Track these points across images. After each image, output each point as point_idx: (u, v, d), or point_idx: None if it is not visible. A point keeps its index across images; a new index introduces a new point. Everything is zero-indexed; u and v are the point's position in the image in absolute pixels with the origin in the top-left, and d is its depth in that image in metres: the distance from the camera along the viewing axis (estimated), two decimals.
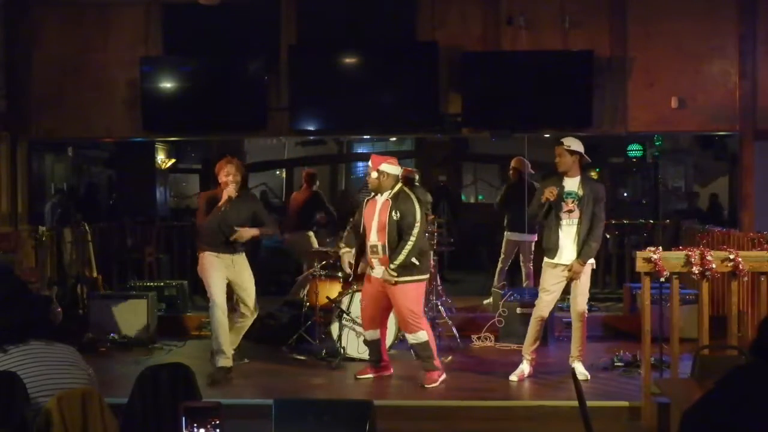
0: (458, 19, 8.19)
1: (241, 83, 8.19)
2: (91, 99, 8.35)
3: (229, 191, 6.51)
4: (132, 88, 8.26)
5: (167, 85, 8.20)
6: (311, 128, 8.54)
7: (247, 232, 6.60)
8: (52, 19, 8.42)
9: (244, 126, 8.45)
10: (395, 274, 6.11)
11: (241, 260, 6.74)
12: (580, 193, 6.24)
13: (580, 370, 6.29)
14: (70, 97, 8.36)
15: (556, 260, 6.29)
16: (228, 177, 6.56)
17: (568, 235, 6.25)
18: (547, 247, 6.36)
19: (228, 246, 6.58)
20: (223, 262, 6.61)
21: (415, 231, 6.12)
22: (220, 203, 6.51)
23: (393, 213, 6.17)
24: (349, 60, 8.32)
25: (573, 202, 6.24)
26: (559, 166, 6.33)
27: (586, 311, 6.46)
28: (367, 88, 8.10)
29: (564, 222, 6.25)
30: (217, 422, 2.76)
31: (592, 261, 6.37)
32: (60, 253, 8.34)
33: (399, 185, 6.30)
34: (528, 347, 6.46)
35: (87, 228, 8.45)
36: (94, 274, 8.18)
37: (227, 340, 6.57)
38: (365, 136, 14.78)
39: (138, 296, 8.06)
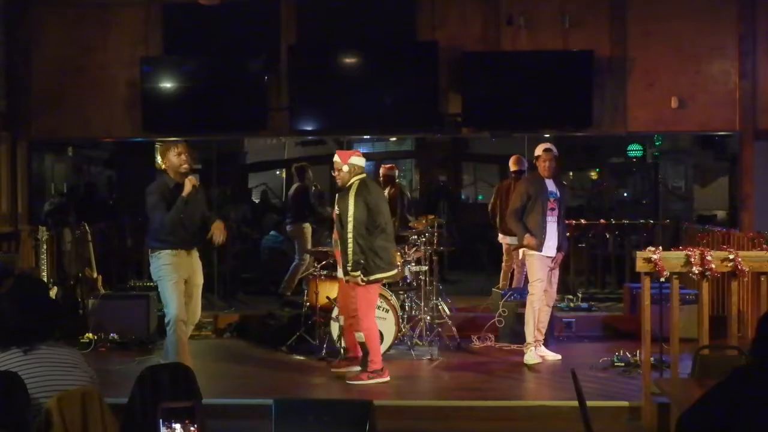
0: (458, 19, 8.19)
1: (241, 83, 8.19)
2: (91, 99, 8.34)
3: (192, 180, 6.10)
4: (132, 88, 8.26)
5: (167, 85, 8.19)
6: (311, 128, 8.53)
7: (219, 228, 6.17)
8: (52, 19, 8.42)
9: (244, 126, 8.45)
10: (356, 274, 6.18)
11: (196, 256, 6.28)
12: (558, 193, 6.94)
13: (545, 352, 7.01)
14: (70, 97, 8.35)
15: (543, 253, 6.85)
16: (186, 163, 6.12)
17: (552, 230, 6.86)
18: (536, 242, 6.86)
19: (187, 241, 6.14)
20: (180, 260, 6.12)
21: (349, 227, 6.17)
22: (184, 192, 6.05)
23: (336, 208, 6.39)
24: (349, 60, 8.31)
25: (554, 201, 6.90)
26: (548, 171, 6.91)
27: None
28: (367, 88, 8.10)
29: (549, 219, 6.87)
30: (192, 422, 2.77)
31: None
32: (60, 253, 8.33)
33: (354, 179, 6.34)
34: (534, 334, 6.92)
35: (87, 228, 8.45)
36: (94, 274, 8.17)
37: (187, 357, 6.03)
38: (365, 136, 14.78)
39: (138, 296, 8.06)
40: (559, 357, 7.04)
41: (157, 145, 6.26)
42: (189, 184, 6.10)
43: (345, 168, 6.30)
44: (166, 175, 6.25)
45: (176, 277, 6.08)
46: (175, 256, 6.10)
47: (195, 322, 6.45)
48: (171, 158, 6.16)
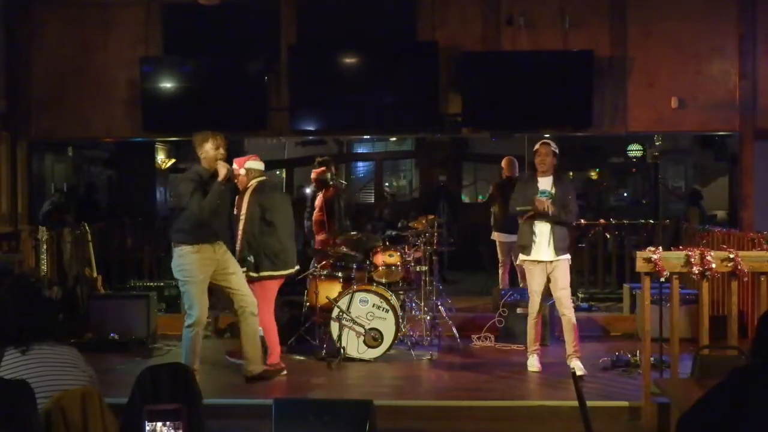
0: (458, 19, 8.20)
1: (241, 83, 8.20)
2: (91, 99, 8.35)
3: (227, 165, 5.93)
4: (132, 88, 8.27)
5: (167, 85, 8.20)
6: (311, 128, 8.54)
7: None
8: (52, 19, 8.42)
9: (244, 126, 8.45)
10: (243, 269, 6.35)
11: (222, 247, 6.08)
12: (553, 191, 6.43)
13: (579, 366, 6.40)
14: (70, 97, 8.36)
15: (533, 257, 6.47)
16: (222, 158, 5.99)
17: (543, 232, 6.42)
18: (523, 244, 6.55)
19: (213, 234, 5.97)
20: (202, 256, 5.95)
21: (240, 224, 6.40)
22: (220, 177, 5.85)
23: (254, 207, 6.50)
24: (349, 60, 8.31)
25: (547, 200, 6.40)
26: (543, 166, 6.49)
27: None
28: (367, 88, 8.10)
29: (539, 219, 6.41)
30: (179, 424, 2.77)
31: (568, 256, 6.50)
32: (60, 253, 8.33)
33: (253, 181, 6.55)
34: (533, 344, 6.67)
35: (87, 228, 8.45)
36: (94, 274, 8.17)
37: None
38: (365, 136, 14.79)
39: (138, 296, 8.06)
40: (585, 373, 6.40)
41: (195, 135, 6.11)
42: (224, 168, 5.90)
43: (242, 172, 6.54)
44: (198, 165, 6.08)
45: (201, 277, 5.96)
46: (197, 252, 5.93)
47: (255, 307, 6.21)
48: (208, 150, 5.98)
